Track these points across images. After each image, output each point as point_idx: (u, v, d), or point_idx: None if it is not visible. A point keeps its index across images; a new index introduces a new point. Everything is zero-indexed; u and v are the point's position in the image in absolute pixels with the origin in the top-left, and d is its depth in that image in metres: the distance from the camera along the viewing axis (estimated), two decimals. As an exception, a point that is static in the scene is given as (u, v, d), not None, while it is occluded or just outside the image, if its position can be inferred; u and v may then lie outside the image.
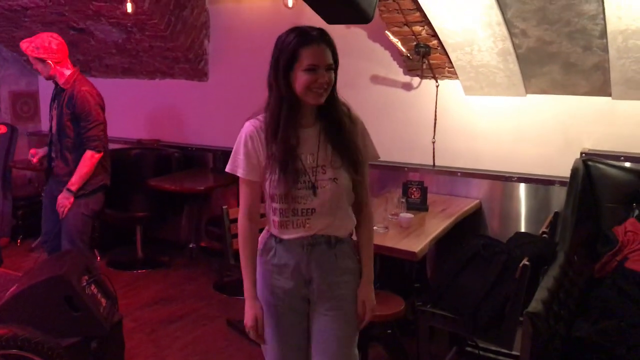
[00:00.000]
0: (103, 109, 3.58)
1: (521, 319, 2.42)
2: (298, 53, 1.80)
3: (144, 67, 5.07)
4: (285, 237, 1.97)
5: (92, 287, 2.81)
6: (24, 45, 3.41)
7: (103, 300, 2.86)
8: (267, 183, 1.93)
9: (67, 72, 3.48)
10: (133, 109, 5.34)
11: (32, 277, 2.71)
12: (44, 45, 3.39)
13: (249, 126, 1.95)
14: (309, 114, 1.92)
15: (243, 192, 2.00)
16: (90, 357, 2.67)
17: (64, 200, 3.47)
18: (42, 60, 3.41)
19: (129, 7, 3.95)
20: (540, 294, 2.42)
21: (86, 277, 2.79)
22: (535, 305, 2.34)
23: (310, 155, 1.91)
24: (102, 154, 3.52)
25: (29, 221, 5.33)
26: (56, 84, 3.54)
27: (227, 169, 1.99)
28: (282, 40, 1.85)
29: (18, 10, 4.67)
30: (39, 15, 4.66)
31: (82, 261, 2.89)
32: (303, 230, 1.94)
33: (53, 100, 3.59)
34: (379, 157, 2.06)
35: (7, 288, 2.78)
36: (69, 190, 3.46)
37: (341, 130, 1.91)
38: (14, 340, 2.21)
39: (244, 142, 1.94)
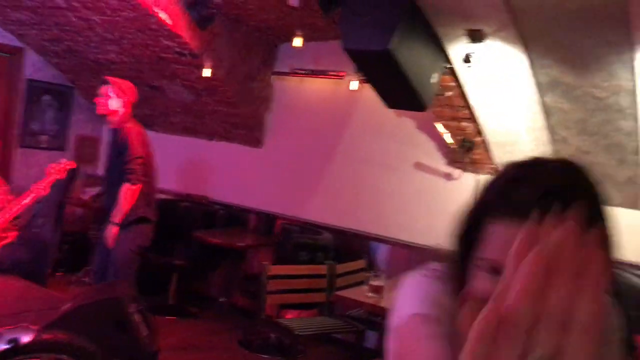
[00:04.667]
0: (145, 145, 3.89)
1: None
2: (481, 225, 0.79)
3: (204, 128, 5.47)
4: None
5: (138, 315, 3.02)
6: (113, 79, 3.89)
7: (145, 330, 3.05)
8: None
9: (122, 112, 3.88)
10: (186, 165, 5.71)
11: (86, 298, 2.94)
12: (128, 86, 3.91)
13: None
14: None
15: None
16: (126, 381, 2.83)
17: (108, 232, 3.76)
18: (119, 99, 3.85)
19: (206, 72, 4.38)
20: None
21: (134, 305, 3.00)
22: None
23: None
24: (138, 186, 3.75)
25: (73, 256, 5.60)
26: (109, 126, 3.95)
27: None
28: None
29: (103, 64, 5.17)
30: (120, 70, 5.14)
31: (131, 290, 3.11)
32: None
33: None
34: None
35: (56, 307, 3.01)
36: (111, 222, 3.75)
37: None
38: (70, 347, 2.41)
39: None
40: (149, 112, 5.66)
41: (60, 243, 5.53)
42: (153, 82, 5.18)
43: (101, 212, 4.05)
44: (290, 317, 4.61)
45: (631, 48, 2.69)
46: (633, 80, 2.88)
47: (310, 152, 4.84)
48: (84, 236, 5.64)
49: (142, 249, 3.92)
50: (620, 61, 2.84)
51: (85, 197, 4.14)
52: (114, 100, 3.88)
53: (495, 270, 0.73)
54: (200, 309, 5.05)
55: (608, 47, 2.72)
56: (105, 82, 3.91)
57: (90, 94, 5.11)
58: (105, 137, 6.28)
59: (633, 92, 2.96)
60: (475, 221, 0.80)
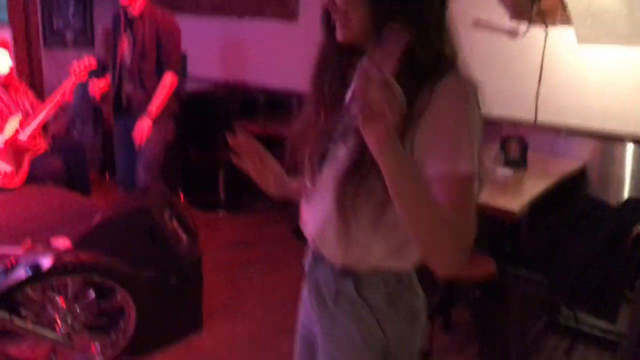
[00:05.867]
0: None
1: (630, 294, 2.18)
2: None
3: (234, 5, 4.96)
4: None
5: (174, 222, 2.79)
6: None
7: (184, 237, 2.84)
8: None
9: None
10: (221, 49, 5.28)
11: (116, 208, 2.72)
12: None
13: None
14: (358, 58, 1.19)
15: None
16: (168, 292, 2.66)
17: (144, 125, 3.50)
18: None
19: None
20: (658, 266, 2.16)
21: (168, 212, 2.77)
22: (651, 278, 2.09)
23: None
24: (176, 78, 3.58)
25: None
26: (126, 13, 3.53)
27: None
28: None
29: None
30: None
31: (165, 196, 2.87)
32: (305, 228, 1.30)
33: (122, 31, 3.58)
34: (464, 173, 1.04)
35: (92, 217, 2.81)
36: (148, 114, 3.50)
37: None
38: (96, 267, 2.21)
39: None
40: (174, -7, 5.17)
41: (103, 145, 5.39)
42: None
43: (120, 106, 3.67)
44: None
45: None
46: None
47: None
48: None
49: (169, 142, 3.74)
50: None
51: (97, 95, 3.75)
52: None
53: None
54: (251, 202, 4.86)
55: None
56: None
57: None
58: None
59: None
60: None
